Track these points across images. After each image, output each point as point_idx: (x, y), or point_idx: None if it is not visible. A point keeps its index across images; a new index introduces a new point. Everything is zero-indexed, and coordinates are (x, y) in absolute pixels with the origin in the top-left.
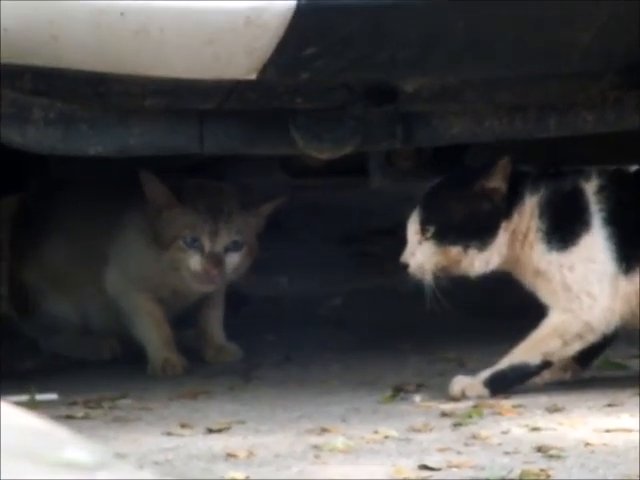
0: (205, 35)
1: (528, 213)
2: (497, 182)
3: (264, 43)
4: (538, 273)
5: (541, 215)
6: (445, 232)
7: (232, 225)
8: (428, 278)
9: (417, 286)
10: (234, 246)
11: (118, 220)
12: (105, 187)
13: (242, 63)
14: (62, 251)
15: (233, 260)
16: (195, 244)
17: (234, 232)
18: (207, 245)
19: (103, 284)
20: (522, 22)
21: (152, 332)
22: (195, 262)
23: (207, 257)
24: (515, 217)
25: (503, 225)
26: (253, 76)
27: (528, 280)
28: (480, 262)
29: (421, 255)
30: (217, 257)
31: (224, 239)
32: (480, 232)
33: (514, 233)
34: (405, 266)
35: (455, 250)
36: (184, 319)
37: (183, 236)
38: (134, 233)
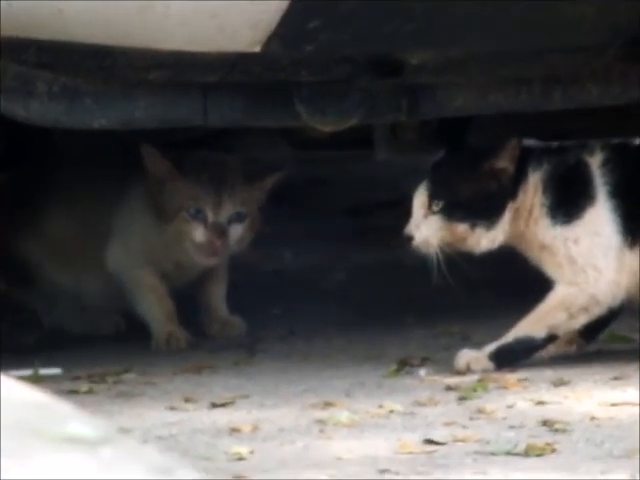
0: (209, 8)
1: (532, 189)
2: (505, 163)
3: (268, 16)
4: (543, 247)
5: (545, 190)
6: (453, 209)
7: (235, 196)
8: (432, 252)
9: (422, 259)
10: (237, 217)
11: (120, 194)
12: (108, 161)
13: (246, 36)
14: (63, 224)
15: (236, 231)
16: (199, 215)
17: (238, 203)
18: (210, 216)
19: (105, 259)
20: None
21: (155, 307)
22: (199, 233)
23: (211, 228)
24: (520, 195)
25: (509, 205)
26: (257, 49)
27: (534, 255)
28: (486, 240)
29: (426, 229)
30: (221, 228)
31: (228, 210)
32: (487, 211)
33: (518, 210)
34: (409, 238)
35: (462, 227)
36: (187, 294)
37: (186, 208)
38: (137, 207)
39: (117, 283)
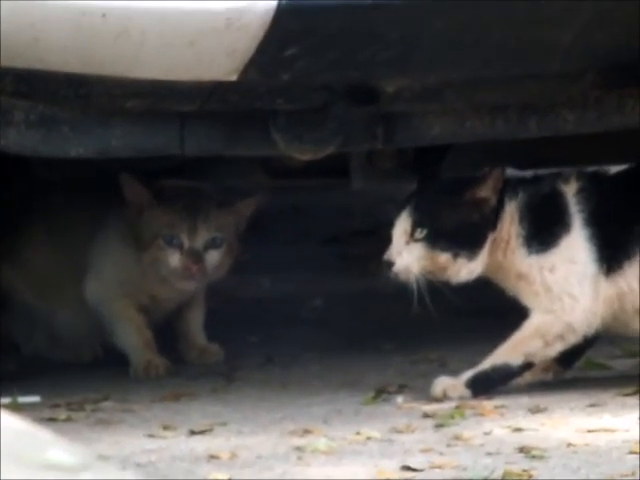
0: (186, 36)
1: (508, 219)
2: (487, 192)
3: (245, 44)
4: (520, 276)
5: (521, 220)
6: (437, 237)
7: (211, 222)
8: (413, 279)
9: (400, 287)
10: (213, 243)
11: (97, 225)
12: (87, 191)
13: (223, 64)
14: (42, 253)
15: (213, 257)
16: (174, 242)
17: (213, 229)
18: (186, 242)
19: (83, 292)
20: (503, 22)
21: (133, 336)
22: (175, 259)
23: (187, 254)
24: (499, 226)
25: (490, 235)
26: (234, 77)
27: (510, 284)
28: (466, 271)
29: (408, 256)
30: (197, 253)
31: (203, 235)
32: (470, 242)
33: (495, 241)
34: (389, 264)
35: (444, 256)
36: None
37: (162, 235)
38: (113, 238)
39: (95, 314)
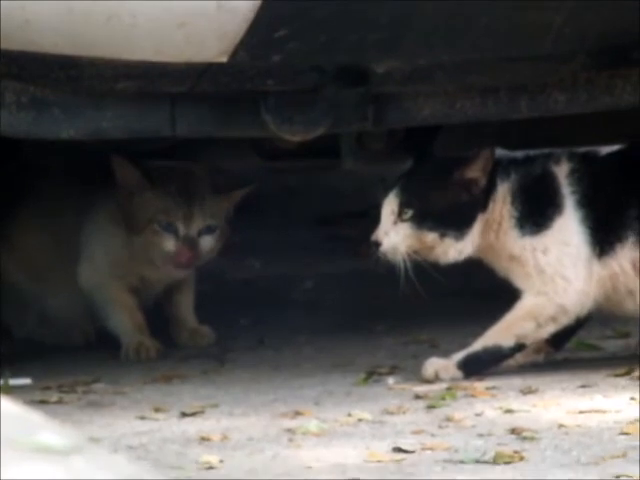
0: (176, 18)
1: (500, 200)
2: (476, 173)
3: (235, 26)
4: (512, 258)
5: (513, 201)
6: (423, 217)
7: (206, 210)
8: (400, 259)
9: (391, 268)
10: (208, 230)
11: (88, 208)
12: (77, 174)
13: (213, 46)
14: (32, 237)
15: (206, 243)
16: (170, 228)
17: (208, 216)
18: (181, 229)
19: (75, 275)
20: (493, 4)
21: (124, 318)
22: (169, 245)
23: (182, 241)
24: (490, 206)
25: (480, 216)
26: (224, 59)
27: (502, 266)
28: (454, 251)
29: (395, 236)
30: (192, 240)
31: (198, 223)
32: (457, 222)
33: (488, 222)
34: (376, 244)
35: (431, 236)
36: (156, 303)
37: (158, 220)
38: (103, 220)
39: (86, 296)
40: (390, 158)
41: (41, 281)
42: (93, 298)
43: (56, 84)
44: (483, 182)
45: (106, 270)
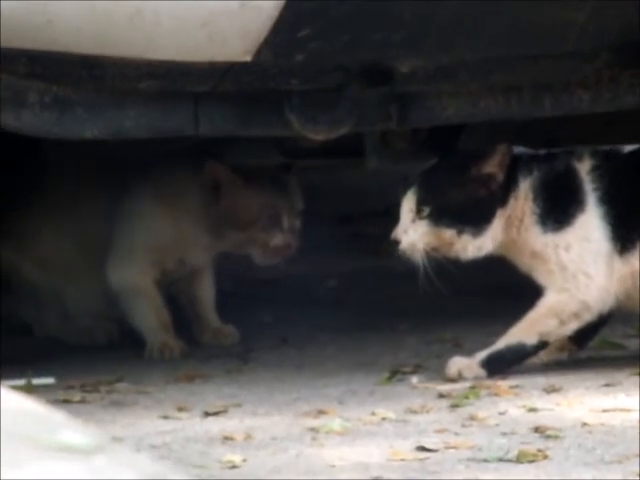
0: (200, 17)
1: (522, 197)
2: (493, 168)
3: (259, 25)
4: (534, 255)
5: (535, 198)
6: (440, 214)
7: (297, 199)
8: (419, 257)
9: (410, 265)
10: (298, 215)
11: (118, 202)
12: (98, 171)
13: (237, 45)
14: (52, 235)
15: (299, 228)
16: (276, 222)
17: (299, 203)
18: (285, 221)
19: (105, 270)
20: (516, 2)
21: (151, 316)
22: (277, 239)
23: (287, 232)
24: (511, 203)
25: (499, 212)
26: (248, 58)
27: (525, 262)
28: (473, 247)
29: (414, 233)
30: (294, 230)
31: (295, 212)
32: (475, 218)
33: (510, 218)
34: (396, 242)
35: (449, 233)
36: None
37: (264, 216)
38: (144, 207)
39: (113, 292)
40: (414, 157)
41: (60, 280)
42: (120, 294)
43: (79, 84)
44: (501, 177)
45: (142, 257)
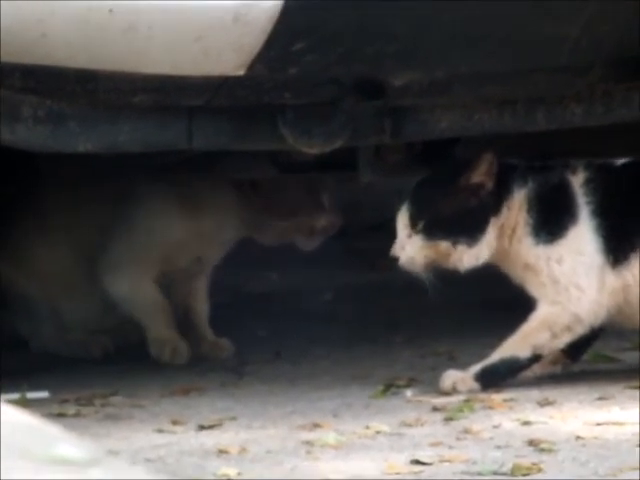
0: (193, 32)
1: (516, 207)
2: (481, 177)
3: (252, 39)
4: (527, 267)
5: (529, 209)
6: (434, 227)
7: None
8: (421, 271)
9: (409, 280)
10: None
11: (127, 203)
12: (92, 184)
13: (230, 59)
14: (48, 249)
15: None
16: (316, 204)
17: (330, 181)
18: (326, 200)
19: (99, 272)
20: (510, 16)
21: (158, 319)
22: (322, 220)
23: (329, 211)
24: (504, 212)
25: (492, 220)
26: (241, 72)
27: (517, 274)
28: (469, 257)
29: (411, 249)
30: (334, 207)
31: (331, 189)
32: (469, 228)
33: (502, 227)
34: (395, 259)
35: (444, 245)
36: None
37: (306, 200)
38: (157, 207)
39: (116, 300)
40: (408, 170)
41: (56, 293)
42: (123, 301)
43: (73, 97)
44: (490, 185)
45: (149, 260)
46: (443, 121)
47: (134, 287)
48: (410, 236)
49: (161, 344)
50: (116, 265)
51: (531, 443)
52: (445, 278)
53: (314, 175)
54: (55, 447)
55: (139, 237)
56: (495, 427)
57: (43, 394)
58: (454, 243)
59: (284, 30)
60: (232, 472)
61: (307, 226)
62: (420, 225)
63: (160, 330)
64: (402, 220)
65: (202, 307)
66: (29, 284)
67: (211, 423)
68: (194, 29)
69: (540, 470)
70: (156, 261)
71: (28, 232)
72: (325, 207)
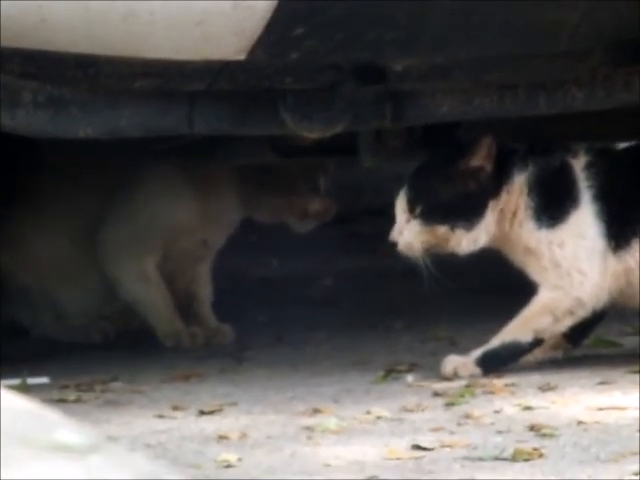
0: (194, 16)
1: (517, 191)
2: (480, 161)
3: (253, 23)
4: (528, 251)
5: (530, 192)
6: (432, 211)
7: (328, 162)
8: (418, 256)
9: (409, 265)
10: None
11: (129, 186)
12: (91, 170)
13: (231, 44)
14: (46, 236)
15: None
16: (312, 186)
17: (331, 168)
18: (322, 185)
19: (101, 257)
20: (510, 2)
21: (160, 303)
22: (316, 204)
23: (324, 196)
24: (504, 195)
25: (491, 204)
26: (242, 57)
27: (518, 258)
28: (467, 241)
29: (409, 233)
30: (330, 194)
31: (329, 176)
32: (467, 212)
33: (502, 211)
34: (394, 244)
35: (442, 229)
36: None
37: (301, 180)
38: (168, 186)
39: (117, 283)
40: (409, 155)
41: (55, 280)
42: (125, 285)
43: (73, 83)
44: (489, 169)
45: (152, 242)
46: (444, 106)
47: (137, 271)
48: (408, 221)
49: (165, 330)
50: (119, 249)
51: (532, 428)
52: (445, 264)
53: (314, 160)
54: (55, 433)
55: (143, 220)
56: (496, 412)
57: (43, 380)
58: (452, 227)
59: (284, 15)
60: (232, 458)
61: (300, 208)
62: (418, 210)
63: (164, 316)
64: (400, 205)
65: (205, 293)
66: (28, 271)
67: (211, 409)
68: (195, 14)
69: (541, 455)
70: (159, 245)
71: (25, 218)
72: (320, 191)
